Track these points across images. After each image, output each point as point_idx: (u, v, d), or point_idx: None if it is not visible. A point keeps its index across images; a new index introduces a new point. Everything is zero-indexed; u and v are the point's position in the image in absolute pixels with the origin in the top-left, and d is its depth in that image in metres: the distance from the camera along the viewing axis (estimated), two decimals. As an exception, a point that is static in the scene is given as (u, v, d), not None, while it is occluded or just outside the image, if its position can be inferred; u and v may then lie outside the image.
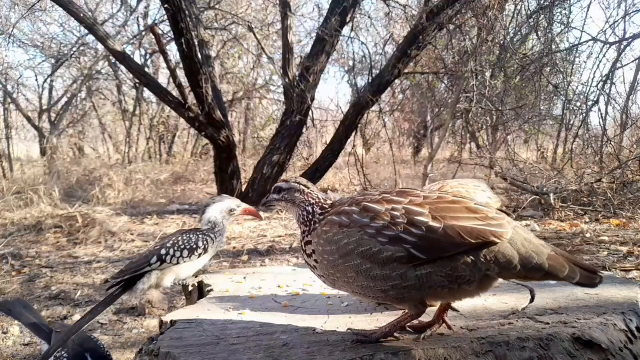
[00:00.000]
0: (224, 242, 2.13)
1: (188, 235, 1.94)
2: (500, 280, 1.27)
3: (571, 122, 7.43)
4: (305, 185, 1.41)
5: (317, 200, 1.38)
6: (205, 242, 1.93)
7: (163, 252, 1.87)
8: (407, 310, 1.27)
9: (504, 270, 1.19)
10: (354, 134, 6.85)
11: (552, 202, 5.61)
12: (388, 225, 1.19)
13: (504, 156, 7.30)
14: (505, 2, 6.01)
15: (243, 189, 6.66)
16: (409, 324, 1.31)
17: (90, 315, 1.73)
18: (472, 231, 1.17)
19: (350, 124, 6.60)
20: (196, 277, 2.04)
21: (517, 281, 1.77)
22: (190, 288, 2.03)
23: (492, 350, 1.21)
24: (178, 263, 1.88)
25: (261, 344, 1.31)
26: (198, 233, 1.96)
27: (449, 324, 1.34)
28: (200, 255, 1.92)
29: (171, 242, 1.91)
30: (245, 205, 2.07)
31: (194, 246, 1.91)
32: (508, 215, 1.28)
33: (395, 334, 1.28)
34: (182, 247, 1.90)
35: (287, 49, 6.49)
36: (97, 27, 5.64)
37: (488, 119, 8.32)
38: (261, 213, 2.28)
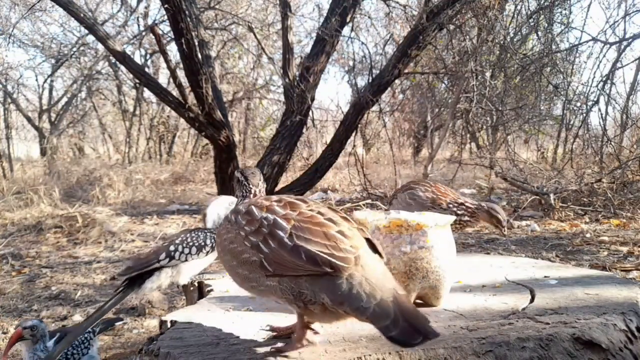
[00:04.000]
0: None
1: (196, 233, 1.96)
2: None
3: (571, 122, 7.43)
4: (245, 177, 1.45)
5: (249, 194, 1.44)
6: (212, 240, 1.96)
7: (172, 248, 1.88)
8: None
9: (336, 304, 1.13)
10: (354, 134, 6.85)
11: (552, 202, 5.61)
12: (255, 230, 1.23)
13: (504, 156, 7.29)
14: (505, 2, 6.02)
15: (243, 189, 6.65)
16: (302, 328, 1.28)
17: (98, 314, 1.75)
18: (314, 257, 1.15)
19: (350, 124, 6.59)
20: (201, 275, 2.06)
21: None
22: (191, 288, 2.04)
23: (492, 350, 1.21)
24: (186, 260, 1.90)
25: (261, 344, 1.32)
26: (205, 231, 1.97)
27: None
28: (207, 253, 1.94)
29: (179, 239, 1.92)
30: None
31: (202, 243, 1.93)
32: (374, 247, 1.23)
33: (307, 339, 1.27)
34: (191, 244, 1.92)
35: (287, 49, 6.48)
36: (97, 27, 5.63)
37: (488, 119, 8.33)
38: None
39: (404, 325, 1.06)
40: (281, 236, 1.19)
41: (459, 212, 2.22)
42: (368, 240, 1.23)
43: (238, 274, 1.27)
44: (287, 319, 1.50)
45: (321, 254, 1.15)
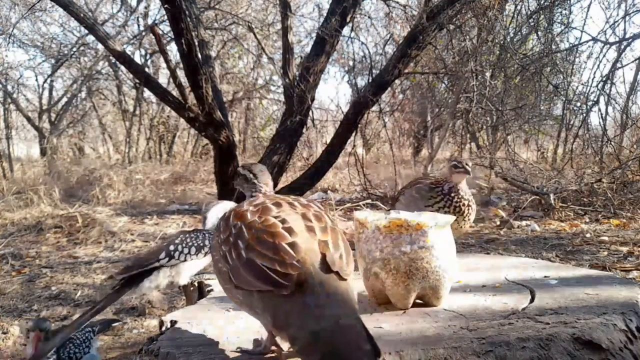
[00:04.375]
0: None
1: (196, 234, 1.96)
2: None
3: (571, 122, 7.43)
4: (253, 174, 1.40)
5: (258, 193, 1.37)
6: (210, 241, 1.96)
7: (171, 248, 1.89)
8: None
9: (276, 328, 1.06)
10: (354, 134, 6.86)
11: (552, 202, 5.61)
12: (225, 239, 1.16)
13: (504, 156, 7.29)
14: (505, 2, 6.02)
15: (243, 189, 6.65)
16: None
17: (93, 312, 1.74)
18: (260, 272, 1.05)
19: (350, 124, 6.60)
20: (201, 275, 2.06)
21: (520, 281, 1.78)
22: (191, 288, 2.04)
23: (492, 350, 1.21)
24: (185, 260, 1.91)
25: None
26: (204, 232, 1.98)
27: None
28: (206, 253, 1.95)
29: (179, 239, 1.93)
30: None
31: (201, 244, 1.94)
32: (326, 263, 1.08)
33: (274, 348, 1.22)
34: (190, 244, 1.92)
35: (287, 49, 6.48)
36: (97, 27, 5.63)
37: (488, 119, 8.32)
38: None
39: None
40: (241, 247, 1.11)
41: (436, 189, 2.14)
42: (324, 257, 1.08)
43: (220, 283, 1.23)
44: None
45: (265, 270, 1.05)
